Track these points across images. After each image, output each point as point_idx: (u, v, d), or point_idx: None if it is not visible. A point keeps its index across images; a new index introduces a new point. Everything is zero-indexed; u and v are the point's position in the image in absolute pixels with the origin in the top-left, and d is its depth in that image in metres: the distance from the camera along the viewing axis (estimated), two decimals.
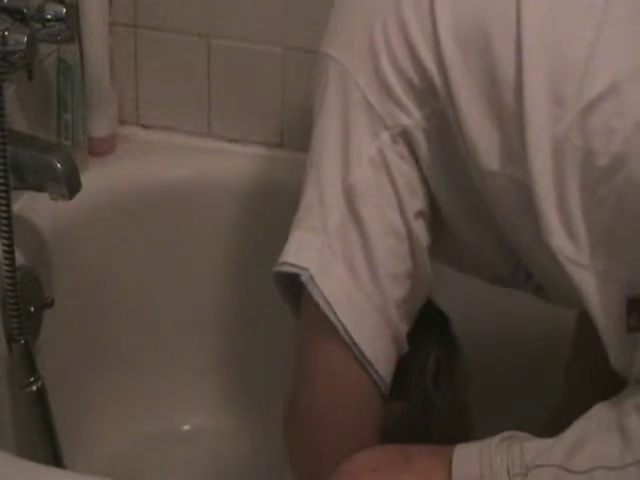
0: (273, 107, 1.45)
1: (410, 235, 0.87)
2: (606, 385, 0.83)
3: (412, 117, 0.86)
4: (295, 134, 1.46)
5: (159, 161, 1.46)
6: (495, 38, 0.83)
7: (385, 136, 0.86)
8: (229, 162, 1.45)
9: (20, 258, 1.19)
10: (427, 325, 1.07)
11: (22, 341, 1.16)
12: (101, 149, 1.44)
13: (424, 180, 0.88)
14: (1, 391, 1.17)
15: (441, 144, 0.87)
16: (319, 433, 0.89)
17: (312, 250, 0.86)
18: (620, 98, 0.79)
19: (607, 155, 0.79)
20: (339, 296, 0.85)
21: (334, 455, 0.87)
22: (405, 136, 0.86)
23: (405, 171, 0.87)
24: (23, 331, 1.16)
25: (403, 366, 1.02)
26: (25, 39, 1.10)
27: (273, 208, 1.37)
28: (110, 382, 1.42)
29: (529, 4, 0.82)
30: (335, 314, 0.85)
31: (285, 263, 0.87)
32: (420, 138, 0.86)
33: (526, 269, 0.94)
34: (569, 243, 0.81)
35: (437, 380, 1.06)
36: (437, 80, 0.84)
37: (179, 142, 1.49)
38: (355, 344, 0.85)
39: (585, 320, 1.10)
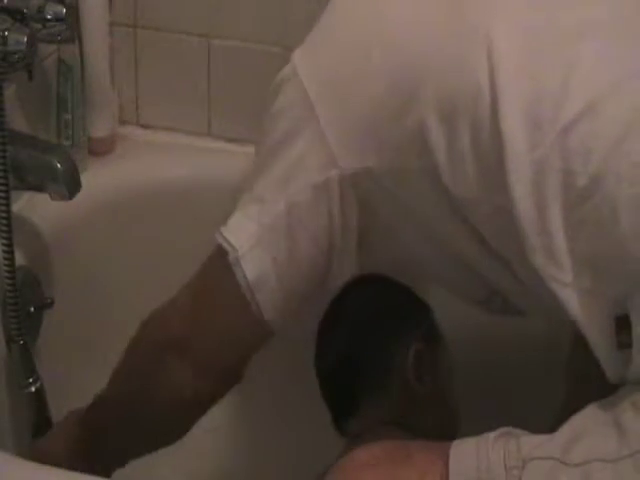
0: None
1: (330, 264, 0.94)
2: (605, 384, 0.84)
3: (366, 164, 0.89)
4: None
5: (159, 161, 1.46)
6: (468, 69, 0.83)
7: (334, 173, 0.89)
8: (229, 162, 1.45)
9: (20, 258, 1.19)
10: (406, 318, 1.08)
11: (21, 342, 1.16)
12: (101, 149, 1.44)
13: (361, 218, 0.93)
14: (0, 392, 1.17)
15: (398, 193, 0.90)
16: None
17: (245, 234, 0.93)
18: (596, 117, 0.80)
19: (586, 175, 0.80)
20: (258, 279, 0.93)
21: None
22: (354, 179, 0.89)
23: (345, 210, 0.91)
24: (22, 332, 1.16)
25: (383, 361, 1.03)
26: (25, 39, 1.10)
27: None
28: None
29: (503, 34, 0.83)
30: (252, 293, 0.93)
31: (221, 234, 0.95)
32: (371, 186, 0.90)
33: (502, 296, 0.96)
34: (550, 263, 0.82)
35: (419, 372, 1.06)
36: (413, 135, 0.86)
37: (179, 142, 1.49)
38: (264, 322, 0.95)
39: None
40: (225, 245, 0.94)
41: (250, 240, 0.93)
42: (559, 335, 1.18)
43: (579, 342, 1.14)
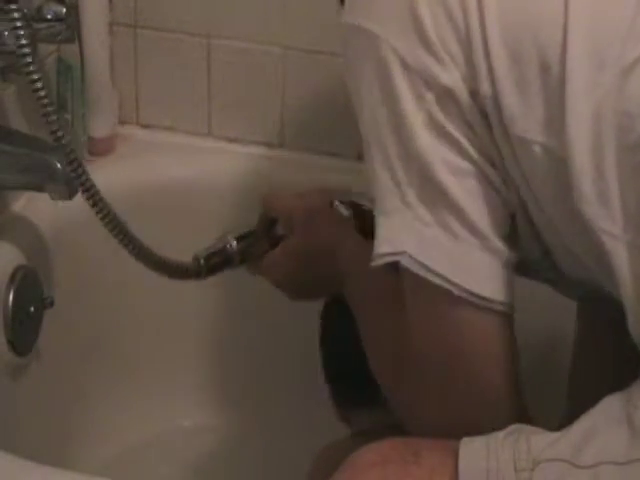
0: (273, 107, 1.45)
1: (479, 170, 0.84)
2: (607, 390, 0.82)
3: (454, 76, 0.82)
4: (295, 134, 1.46)
5: (159, 161, 1.46)
6: (541, 3, 0.80)
7: (429, 96, 0.83)
8: (229, 162, 1.45)
9: (20, 258, 1.19)
10: None
11: None
12: (101, 149, 1.44)
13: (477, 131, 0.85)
14: (1, 391, 1.17)
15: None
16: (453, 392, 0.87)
17: (403, 230, 0.84)
18: None
19: None
20: (444, 261, 0.84)
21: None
22: (451, 95, 0.83)
23: (457, 123, 0.83)
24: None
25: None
26: None
27: None
28: (110, 382, 1.42)
29: None
30: (446, 279, 0.83)
31: (382, 255, 0.85)
32: (464, 98, 0.83)
33: (552, 258, 0.92)
34: (604, 212, 0.79)
35: None
36: (477, 45, 0.81)
37: (179, 142, 1.49)
38: (473, 294, 0.83)
39: (585, 324, 1.10)
40: (392, 259, 0.84)
41: (412, 228, 0.84)
42: (562, 340, 1.18)
43: (581, 356, 1.14)
